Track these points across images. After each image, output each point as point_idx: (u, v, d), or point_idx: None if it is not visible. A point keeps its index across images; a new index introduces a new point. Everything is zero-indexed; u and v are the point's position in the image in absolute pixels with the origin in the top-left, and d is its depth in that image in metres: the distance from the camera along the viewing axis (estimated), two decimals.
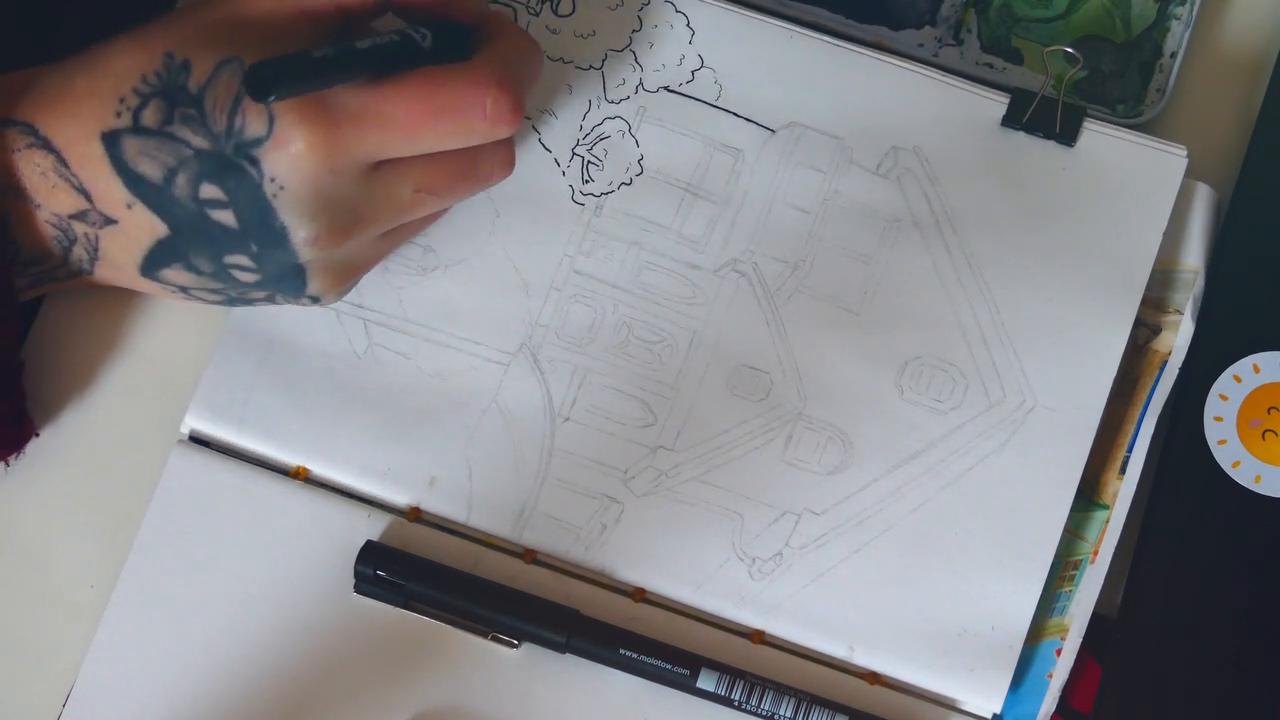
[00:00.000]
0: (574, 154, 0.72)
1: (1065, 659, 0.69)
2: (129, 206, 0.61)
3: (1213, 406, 0.70)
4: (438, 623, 0.69)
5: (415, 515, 0.70)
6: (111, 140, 0.60)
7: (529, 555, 0.70)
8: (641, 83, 0.73)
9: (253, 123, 0.59)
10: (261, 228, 0.61)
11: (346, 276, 0.66)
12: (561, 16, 0.73)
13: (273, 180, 0.60)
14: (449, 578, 0.69)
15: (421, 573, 0.68)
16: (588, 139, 0.72)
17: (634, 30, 0.73)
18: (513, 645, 0.69)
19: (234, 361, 0.70)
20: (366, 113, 0.60)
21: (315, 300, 0.66)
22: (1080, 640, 0.69)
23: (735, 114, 0.72)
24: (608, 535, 0.69)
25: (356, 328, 0.71)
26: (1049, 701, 0.68)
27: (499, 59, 0.63)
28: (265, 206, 0.60)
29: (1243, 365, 0.70)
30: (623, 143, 0.72)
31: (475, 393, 0.70)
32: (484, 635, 0.69)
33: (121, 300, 0.72)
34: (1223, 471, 0.70)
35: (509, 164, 0.67)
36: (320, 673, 0.68)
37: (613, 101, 0.72)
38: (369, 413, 0.70)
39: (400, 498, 0.70)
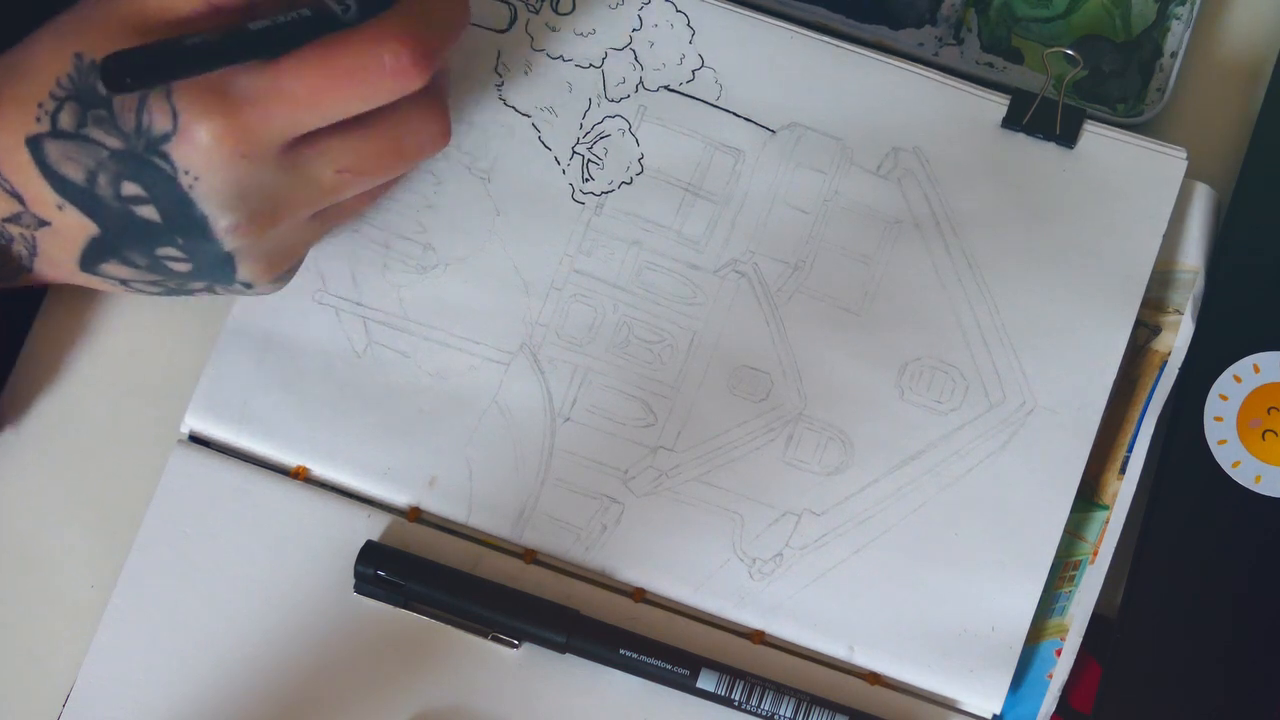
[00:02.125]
0: (574, 153, 0.72)
1: (1065, 659, 0.69)
2: (59, 208, 0.61)
3: (1213, 406, 0.70)
4: (438, 623, 0.69)
5: (415, 515, 0.70)
6: (35, 145, 0.60)
7: (529, 555, 0.70)
8: (642, 82, 0.72)
9: (158, 119, 0.59)
10: (183, 220, 0.61)
11: (279, 262, 0.65)
12: (562, 14, 0.73)
13: (186, 173, 0.60)
14: (449, 578, 0.69)
15: (421, 573, 0.68)
16: (588, 138, 0.72)
17: (634, 29, 0.73)
18: (513, 645, 0.69)
19: (234, 361, 0.70)
20: (266, 92, 0.59)
21: (249, 288, 0.65)
22: (1080, 640, 0.69)
23: (736, 114, 0.72)
24: (608, 535, 0.69)
25: (356, 326, 0.71)
26: (1049, 702, 0.68)
27: (404, 12, 0.60)
28: (184, 199, 0.60)
29: (1243, 365, 0.70)
30: (623, 142, 0.72)
31: (475, 392, 0.70)
32: (484, 635, 0.69)
33: (122, 300, 0.72)
34: (1223, 471, 0.70)
35: (442, 135, 0.64)
36: (320, 673, 0.68)
37: (613, 100, 0.72)
38: (369, 412, 0.70)
39: (400, 498, 0.70)
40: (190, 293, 0.65)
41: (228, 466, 0.70)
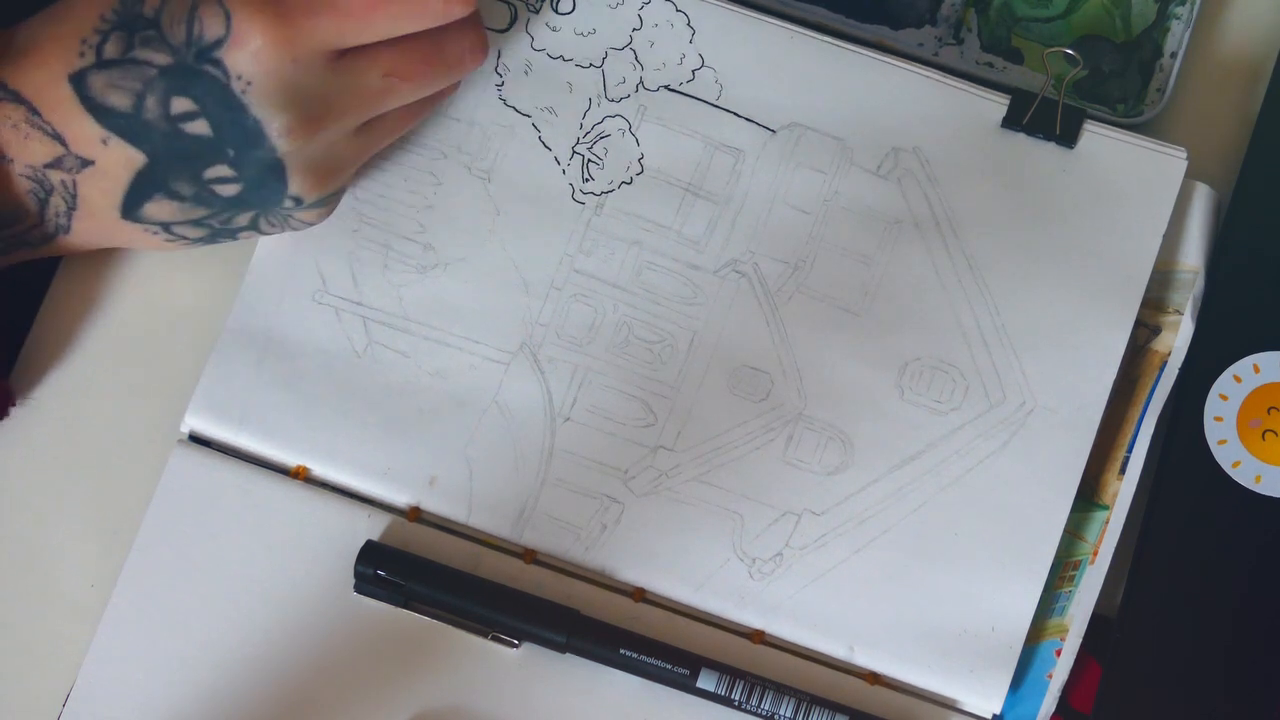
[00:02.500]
0: (574, 152, 0.72)
1: (1065, 659, 0.69)
2: (104, 143, 0.62)
3: (1213, 406, 0.70)
4: (438, 623, 0.69)
5: (415, 515, 0.70)
6: (78, 80, 0.61)
7: (529, 555, 0.70)
8: (642, 81, 0.72)
9: (210, 27, 0.60)
10: (236, 128, 0.62)
11: (327, 175, 0.65)
12: (562, 14, 0.73)
13: (239, 78, 0.61)
14: (449, 578, 0.69)
15: (421, 572, 0.68)
16: (588, 137, 0.72)
17: (634, 29, 0.73)
18: (513, 645, 0.69)
19: (233, 361, 0.70)
20: (319, 3, 0.61)
21: (298, 204, 0.66)
22: (1080, 640, 0.69)
23: (736, 114, 0.72)
24: (608, 535, 0.69)
25: (356, 326, 0.71)
26: (1049, 702, 0.68)
27: None
28: (236, 105, 0.61)
29: (1243, 365, 0.70)
30: (623, 141, 0.72)
31: (475, 392, 0.70)
32: (484, 635, 0.69)
33: (121, 300, 0.72)
34: (1223, 471, 0.70)
35: (480, 49, 0.67)
36: (320, 673, 0.68)
37: (613, 100, 0.72)
38: (369, 412, 0.70)
39: (400, 497, 0.70)
40: (233, 233, 0.66)
41: (228, 466, 0.70)
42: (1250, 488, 0.70)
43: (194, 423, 0.70)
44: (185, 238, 0.66)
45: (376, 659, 0.69)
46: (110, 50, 0.61)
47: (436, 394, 0.70)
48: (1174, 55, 0.74)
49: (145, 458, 0.70)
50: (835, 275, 0.71)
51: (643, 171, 0.72)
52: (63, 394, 0.71)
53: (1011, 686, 0.69)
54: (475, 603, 0.68)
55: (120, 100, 0.61)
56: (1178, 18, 0.75)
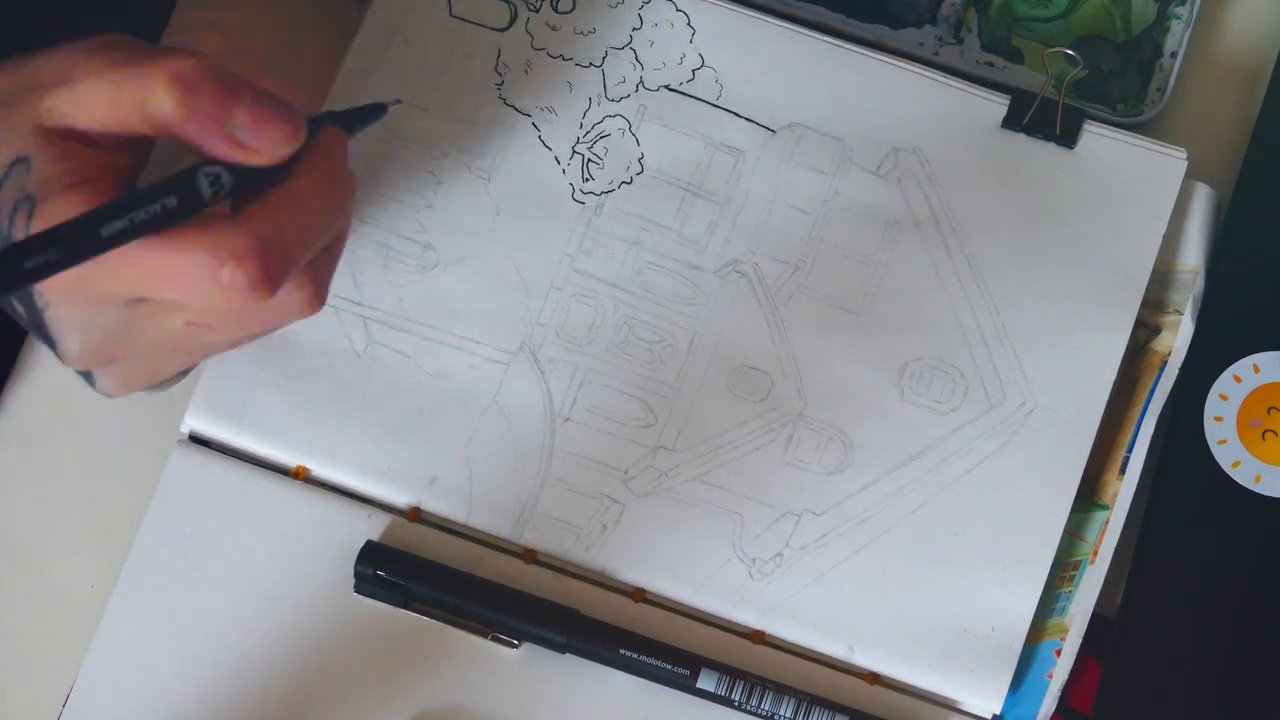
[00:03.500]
0: (574, 152, 0.72)
1: (1065, 659, 0.69)
2: None
3: (1213, 406, 0.70)
4: (438, 623, 0.69)
5: (415, 515, 0.70)
6: None
7: (529, 555, 0.70)
8: (642, 81, 0.72)
9: (18, 233, 0.57)
10: (39, 331, 0.60)
11: (136, 382, 0.63)
12: (562, 13, 0.73)
13: (41, 295, 0.59)
14: (449, 578, 0.69)
15: (421, 573, 0.68)
16: (588, 137, 0.72)
17: (634, 28, 0.73)
18: (513, 645, 0.69)
19: (234, 361, 0.70)
20: (115, 261, 0.56)
21: (110, 396, 0.64)
22: (1080, 640, 0.69)
23: (736, 114, 0.72)
24: (608, 535, 0.69)
25: (356, 326, 0.71)
26: (1049, 702, 0.68)
27: (266, 216, 0.56)
28: (39, 317, 0.59)
29: (1243, 365, 0.70)
30: (623, 141, 0.72)
31: (475, 392, 0.70)
32: (484, 635, 0.69)
33: None
34: (1223, 471, 0.70)
35: (309, 304, 0.60)
36: (320, 673, 0.68)
37: (613, 100, 0.72)
38: (369, 412, 0.70)
39: (400, 498, 0.70)
40: None
41: (228, 466, 0.70)
42: (1250, 488, 0.70)
43: (194, 423, 0.70)
44: None
45: (376, 659, 0.69)
46: None
47: (436, 394, 0.70)
48: (1174, 55, 0.74)
49: (145, 458, 0.70)
50: (835, 275, 0.71)
51: (643, 171, 0.72)
52: (63, 394, 0.71)
53: (1011, 686, 0.69)
54: (475, 603, 0.68)
55: None
56: (1177, 17, 0.75)
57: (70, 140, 0.58)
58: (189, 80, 0.56)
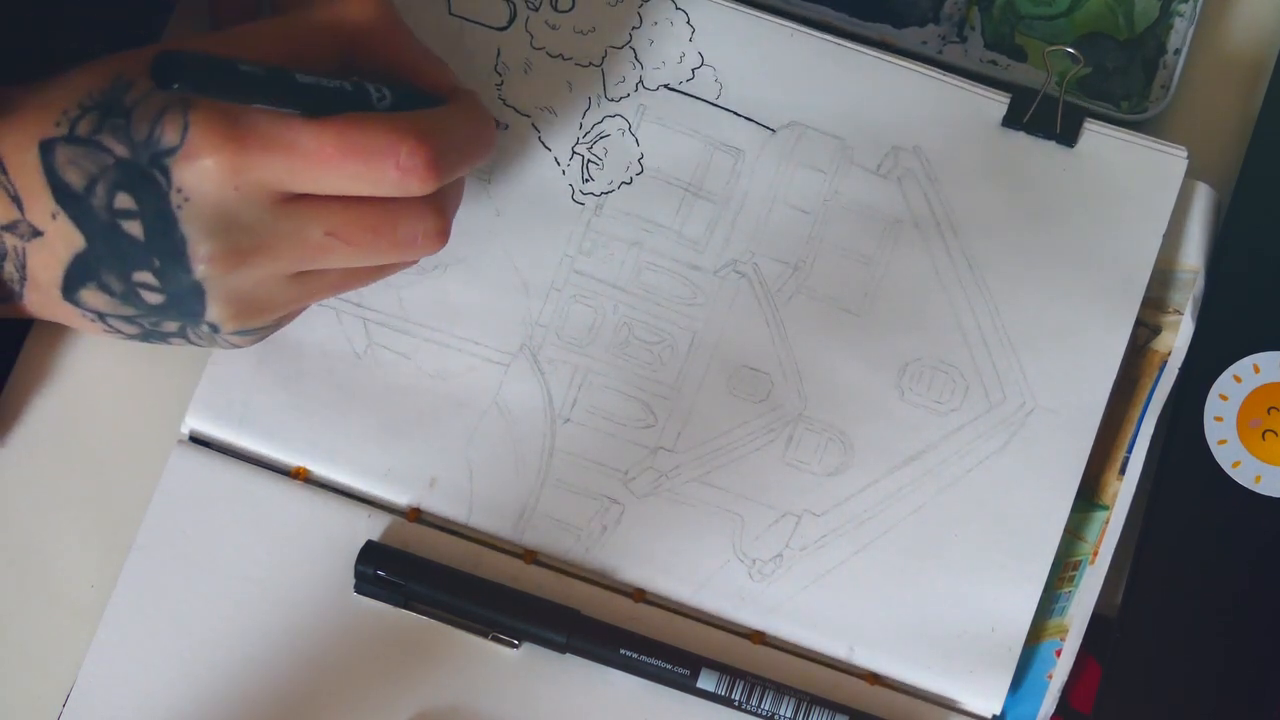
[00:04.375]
0: (574, 152, 0.72)
1: (1065, 659, 0.69)
2: (54, 217, 0.61)
3: (1213, 406, 0.70)
4: (438, 623, 0.69)
5: (415, 515, 0.70)
6: (46, 148, 0.60)
7: (529, 556, 0.70)
8: (642, 80, 0.72)
9: (168, 133, 0.59)
10: (164, 240, 0.61)
11: (250, 311, 0.64)
12: (561, 12, 0.73)
13: (179, 191, 0.60)
14: (449, 578, 0.69)
15: (421, 573, 0.68)
16: (588, 137, 0.72)
17: (634, 27, 0.73)
18: (513, 645, 0.69)
19: (234, 361, 0.70)
20: (279, 140, 0.59)
21: (216, 331, 0.64)
22: (1080, 640, 0.69)
23: (736, 113, 0.72)
24: (608, 536, 0.69)
25: (356, 327, 0.71)
26: (1049, 702, 0.69)
27: (436, 119, 0.62)
28: (169, 217, 0.60)
29: (1243, 365, 0.70)
30: (623, 141, 0.72)
31: (475, 393, 0.70)
32: (484, 635, 0.69)
33: None
34: (1223, 471, 0.70)
35: (438, 236, 0.64)
36: (320, 673, 0.68)
37: (613, 99, 0.72)
38: (369, 413, 0.70)
39: (400, 498, 0.70)
40: (165, 337, 0.65)
41: (228, 466, 0.70)
42: (1250, 488, 0.69)
43: (194, 423, 0.70)
44: (120, 331, 0.65)
45: (376, 659, 0.69)
46: (82, 128, 0.60)
47: (437, 395, 0.70)
48: (1177, 52, 0.74)
49: (145, 458, 0.70)
50: (835, 275, 0.71)
51: (642, 171, 0.72)
52: (63, 394, 0.71)
53: (1011, 687, 0.69)
54: (475, 603, 0.68)
55: (76, 179, 0.60)
56: (1180, 15, 0.75)
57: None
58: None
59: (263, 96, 0.59)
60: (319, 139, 0.60)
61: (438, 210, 0.64)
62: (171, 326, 0.64)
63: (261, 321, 0.65)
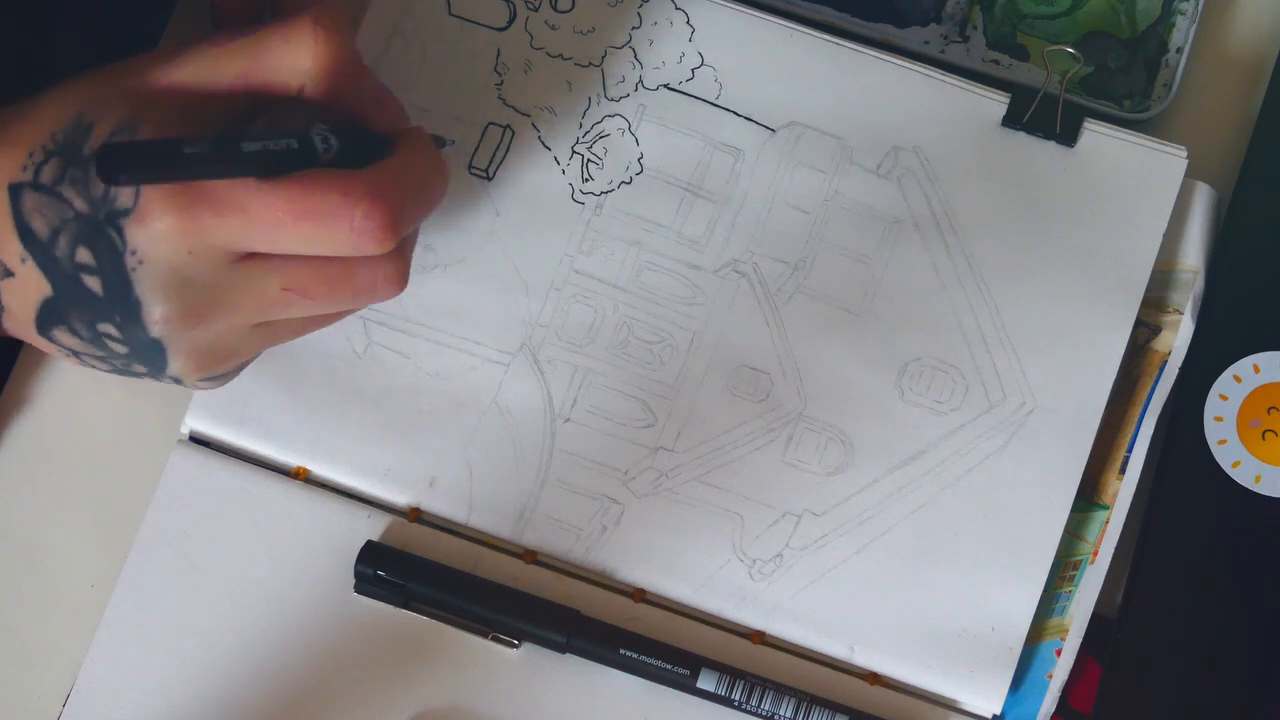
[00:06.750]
0: (574, 152, 0.72)
1: (1065, 659, 0.69)
2: (22, 261, 0.60)
3: (1213, 406, 0.70)
4: (438, 623, 0.69)
5: (415, 515, 0.70)
6: (15, 192, 0.60)
7: (529, 556, 0.70)
8: (641, 80, 0.72)
9: (122, 194, 0.58)
10: (121, 299, 0.60)
11: (212, 362, 0.63)
12: (561, 12, 0.73)
13: (133, 253, 0.59)
14: (449, 578, 0.69)
15: (421, 573, 0.69)
16: (587, 137, 0.72)
17: (634, 27, 0.73)
18: (513, 645, 0.69)
19: None
20: (231, 205, 0.58)
21: (179, 382, 0.64)
22: (1080, 640, 0.69)
23: (735, 113, 0.72)
24: (608, 536, 0.69)
25: (356, 327, 0.71)
26: (1049, 702, 0.68)
27: (388, 175, 0.60)
28: (124, 278, 0.59)
29: (1243, 365, 0.70)
30: (623, 141, 0.72)
31: (475, 393, 0.70)
32: (484, 635, 0.69)
33: None
34: (1223, 471, 0.70)
35: (396, 281, 0.63)
36: (320, 673, 0.68)
37: (612, 99, 0.72)
38: (369, 413, 0.70)
39: (400, 498, 0.70)
40: (138, 375, 0.64)
41: (228, 466, 0.70)
42: (1250, 488, 0.69)
43: (194, 423, 0.70)
44: (95, 367, 0.64)
45: (376, 659, 0.69)
46: (46, 174, 0.59)
47: (436, 395, 0.70)
48: (1179, 51, 0.74)
49: (145, 458, 0.71)
50: (835, 275, 0.71)
51: (642, 171, 0.72)
52: (63, 394, 0.71)
53: (1011, 687, 0.69)
54: (475, 603, 0.68)
55: (40, 227, 0.59)
56: (1182, 14, 0.74)
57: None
58: (334, 34, 0.60)
59: (211, 172, 0.58)
60: (271, 203, 0.58)
61: (395, 257, 0.62)
62: (140, 369, 0.63)
63: (226, 369, 0.64)
